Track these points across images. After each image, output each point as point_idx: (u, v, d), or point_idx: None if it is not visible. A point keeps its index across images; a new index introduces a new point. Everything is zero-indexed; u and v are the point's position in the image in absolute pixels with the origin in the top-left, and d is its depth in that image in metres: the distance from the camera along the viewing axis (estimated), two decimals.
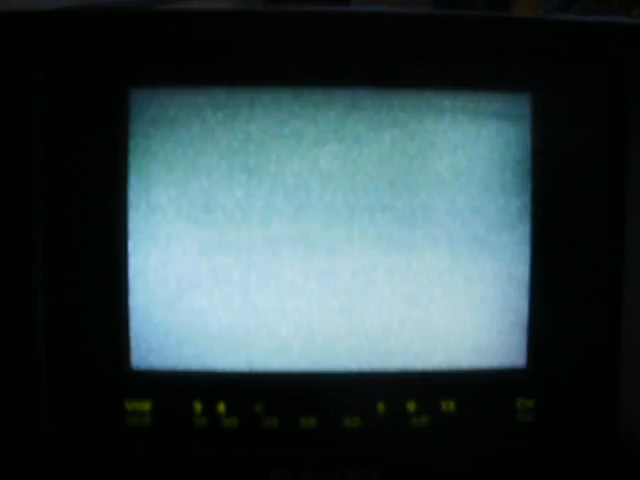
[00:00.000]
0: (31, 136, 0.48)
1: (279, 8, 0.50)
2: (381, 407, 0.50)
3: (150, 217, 0.49)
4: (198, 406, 0.50)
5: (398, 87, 0.49)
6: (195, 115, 0.49)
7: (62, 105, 0.48)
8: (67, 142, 0.48)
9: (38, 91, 0.48)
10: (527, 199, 0.50)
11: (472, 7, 0.91)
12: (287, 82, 0.49)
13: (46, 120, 0.48)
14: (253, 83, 0.49)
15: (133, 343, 0.49)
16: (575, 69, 0.50)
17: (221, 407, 0.50)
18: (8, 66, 0.47)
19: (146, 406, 0.50)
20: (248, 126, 0.49)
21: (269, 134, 0.49)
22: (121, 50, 0.48)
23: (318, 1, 0.58)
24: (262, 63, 0.49)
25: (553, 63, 0.50)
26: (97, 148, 0.48)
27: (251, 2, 0.70)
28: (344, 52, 0.49)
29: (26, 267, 0.48)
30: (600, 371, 0.50)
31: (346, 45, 0.49)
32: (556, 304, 0.50)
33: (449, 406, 0.50)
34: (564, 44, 0.50)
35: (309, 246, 0.49)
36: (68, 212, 0.49)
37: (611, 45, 0.50)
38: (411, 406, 0.50)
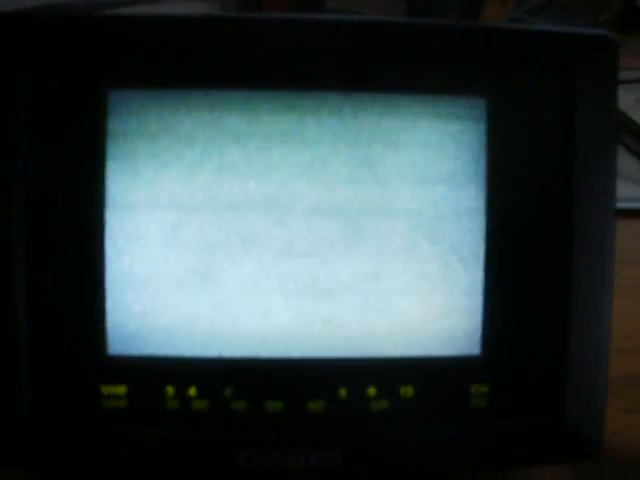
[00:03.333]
0: (11, 135, 0.50)
1: (251, 15, 0.53)
2: (343, 392, 0.53)
3: (126, 209, 0.51)
4: (170, 390, 0.52)
5: (360, 90, 0.52)
6: (172, 116, 0.51)
7: (41, 106, 0.51)
8: (45, 142, 0.51)
9: (19, 92, 0.50)
10: (482, 197, 0.53)
11: (445, 14, 0.94)
12: (259, 85, 0.52)
13: (26, 120, 0.50)
14: (227, 85, 0.52)
15: (109, 330, 0.52)
16: (528, 75, 0.53)
17: (192, 391, 0.52)
18: None
19: (121, 390, 0.52)
20: (224, 127, 0.51)
21: (242, 135, 0.52)
22: (100, 52, 0.51)
23: (292, 8, 0.61)
24: (236, 67, 0.52)
25: (507, 69, 0.53)
26: (75, 148, 0.51)
27: (227, 7, 0.72)
28: (310, 57, 0.52)
29: (4, 254, 0.50)
30: (551, 359, 0.53)
31: (312, 50, 0.52)
32: (509, 295, 0.53)
33: (407, 391, 0.53)
34: (517, 51, 0.53)
35: (275, 240, 0.52)
36: (47, 205, 0.51)
37: (562, 53, 0.53)
38: (371, 391, 0.53)
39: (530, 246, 0.53)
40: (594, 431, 0.54)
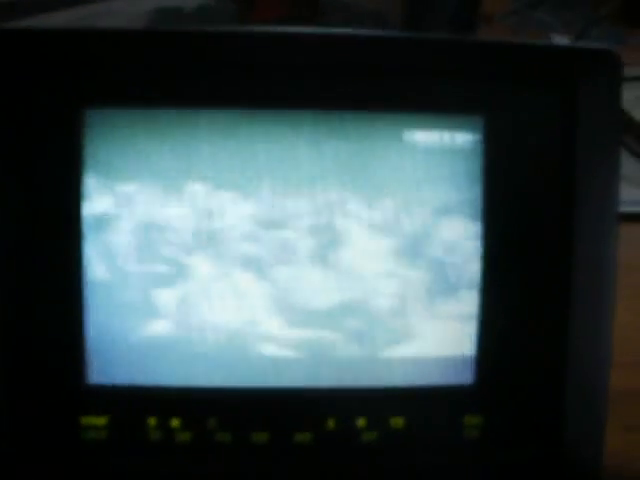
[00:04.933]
0: None
1: (232, 29, 0.50)
2: (331, 423, 0.51)
3: (105, 233, 0.49)
4: (152, 421, 0.51)
5: (352, 108, 0.50)
6: (150, 135, 0.49)
7: (14, 124, 0.48)
8: (20, 162, 0.49)
9: None
10: (478, 220, 0.51)
11: (444, 5, 0.91)
12: (241, 104, 0.49)
13: None
14: (208, 104, 0.49)
15: (89, 358, 0.50)
16: (527, 92, 0.51)
17: (175, 422, 0.51)
18: None
19: (102, 421, 0.50)
20: (205, 146, 0.49)
21: (224, 155, 0.49)
22: (75, 70, 0.49)
23: (287, 3, 0.58)
24: (217, 85, 0.49)
25: (505, 85, 0.50)
26: (51, 168, 0.49)
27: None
28: (299, 74, 0.49)
29: None
30: (546, 388, 0.52)
31: (300, 67, 0.49)
32: (504, 323, 0.51)
33: (397, 422, 0.51)
34: (516, 67, 0.50)
35: (262, 267, 0.50)
36: (22, 228, 0.49)
37: (563, 69, 0.50)
38: (361, 422, 0.51)
39: (528, 271, 0.51)
40: (593, 459, 0.52)
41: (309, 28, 0.50)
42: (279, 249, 0.50)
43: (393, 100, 0.50)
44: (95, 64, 0.49)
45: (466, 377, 0.51)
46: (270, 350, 0.50)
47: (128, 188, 0.49)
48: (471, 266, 0.51)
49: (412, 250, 0.50)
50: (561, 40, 0.78)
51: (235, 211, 0.49)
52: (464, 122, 0.50)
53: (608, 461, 0.53)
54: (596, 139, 0.51)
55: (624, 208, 0.54)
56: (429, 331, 0.51)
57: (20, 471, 0.50)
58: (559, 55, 0.50)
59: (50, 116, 0.49)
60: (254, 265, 0.50)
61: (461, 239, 0.51)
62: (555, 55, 0.50)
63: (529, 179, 0.51)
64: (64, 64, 0.49)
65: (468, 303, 0.51)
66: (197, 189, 0.49)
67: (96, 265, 0.49)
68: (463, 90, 0.50)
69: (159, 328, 0.50)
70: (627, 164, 0.76)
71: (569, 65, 0.50)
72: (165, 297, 0.50)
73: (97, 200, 0.49)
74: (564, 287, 0.51)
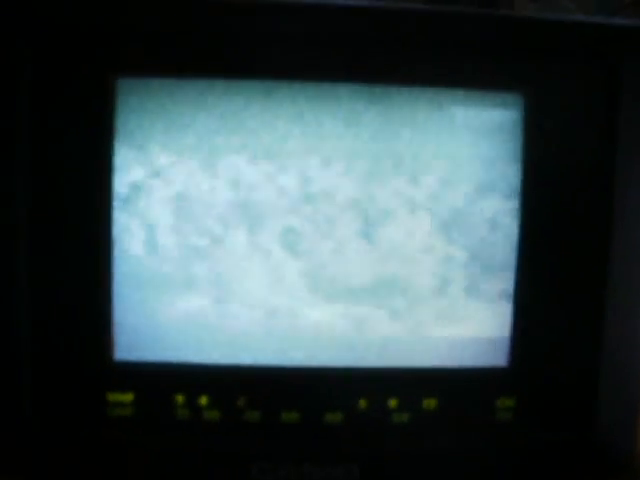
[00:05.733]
0: (16, 123, 0.47)
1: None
2: (363, 403, 0.50)
3: (136, 205, 0.48)
4: (180, 398, 0.49)
5: (391, 83, 0.49)
6: (182, 105, 0.48)
7: (48, 93, 0.47)
8: (52, 130, 0.47)
9: (24, 78, 0.47)
10: (516, 199, 0.50)
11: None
12: (270, 74, 0.48)
13: (32, 107, 0.47)
14: (239, 74, 0.48)
15: (116, 335, 0.49)
16: (569, 69, 0.49)
17: (203, 400, 0.50)
18: None
19: (128, 397, 0.49)
20: (240, 117, 0.48)
21: (261, 125, 0.48)
22: (107, 38, 0.47)
23: None
24: (253, 54, 0.48)
25: (546, 62, 0.49)
26: (82, 136, 0.48)
27: None
28: (336, 46, 0.48)
29: (9, 257, 0.47)
30: (580, 371, 0.51)
31: (337, 39, 0.48)
32: (539, 305, 0.50)
33: (430, 404, 0.50)
34: (558, 44, 0.49)
35: (300, 242, 0.49)
36: (52, 200, 0.48)
37: (605, 45, 0.49)
38: (393, 403, 0.50)
39: (565, 253, 0.50)
40: (625, 447, 0.51)
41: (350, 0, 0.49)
42: (319, 223, 0.49)
43: (433, 76, 0.49)
44: (128, 32, 0.47)
45: (501, 359, 0.50)
46: (304, 328, 0.49)
47: (161, 159, 0.48)
48: (508, 246, 0.50)
49: (452, 228, 0.49)
50: None
51: (273, 184, 0.48)
52: (504, 99, 0.49)
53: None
54: (638, 117, 0.50)
55: None
56: (466, 311, 0.50)
57: (46, 447, 0.49)
58: (602, 31, 0.49)
59: (82, 85, 0.47)
60: (292, 239, 0.49)
61: (499, 217, 0.50)
62: (598, 31, 0.49)
63: (569, 158, 0.50)
64: (96, 32, 0.47)
65: (505, 283, 0.50)
66: (233, 161, 0.48)
67: (126, 238, 0.48)
68: (503, 67, 0.49)
69: (190, 304, 0.49)
70: None
71: (612, 42, 0.49)
72: (198, 271, 0.49)
73: (129, 171, 0.48)
74: (601, 270, 0.50)
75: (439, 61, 0.49)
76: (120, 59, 0.48)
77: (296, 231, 0.49)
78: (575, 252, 0.50)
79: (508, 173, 0.49)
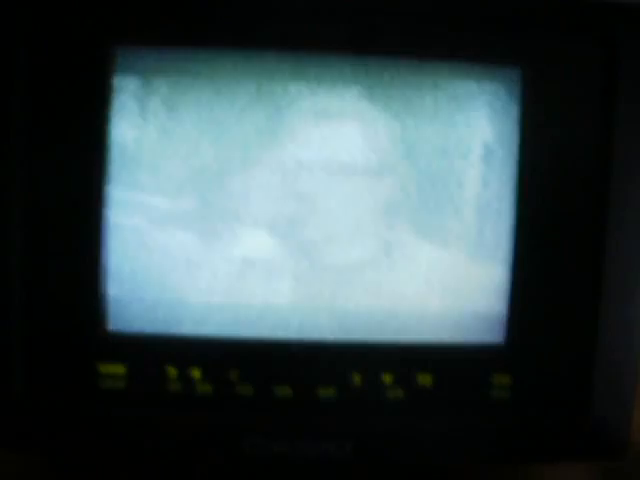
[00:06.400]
0: (14, 92, 0.47)
1: None
2: (357, 378, 0.49)
3: (129, 179, 0.48)
4: (172, 371, 0.49)
5: (388, 57, 0.49)
6: (180, 75, 0.48)
7: (46, 62, 0.47)
8: (50, 98, 0.47)
9: (21, 47, 0.47)
10: (514, 175, 0.49)
11: None
12: (268, 45, 0.48)
13: (29, 76, 0.47)
14: (236, 44, 0.48)
15: (108, 304, 0.49)
16: (567, 45, 0.49)
17: (195, 373, 0.49)
18: None
19: (120, 369, 0.49)
20: (231, 87, 0.48)
21: (254, 99, 0.48)
22: (106, 7, 0.47)
23: None
24: (246, 25, 0.48)
25: (545, 37, 0.49)
26: (80, 105, 0.47)
27: None
28: (335, 19, 0.48)
29: (1, 227, 0.47)
30: (578, 352, 0.50)
31: (338, 12, 0.48)
32: (537, 281, 0.50)
33: (425, 379, 0.50)
34: (556, 19, 0.49)
35: (284, 212, 0.49)
36: (47, 168, 0.48)
37: (605, 23, 0.49)
38: (387, 378, 0.49)
39: (561, 230, 0.50)
40: (621, 429, 0.51)
41: None
42: (300, 199, 0.49)
43: (430, 50, 0.49)
44: (125, 2, 0.47)
45: (497, 335, 0.50)
46: (294, 300, 0.49)
47: (158, 127, 0.48)
48: (505, 222, 0.49)
49: (441, 201, 0.49)
50: None
51: (264, 158, 0.48)
52: (501, 73, 0.49)
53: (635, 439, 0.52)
54: (637, 95, 0.49)
55: None
56: (461, 285, 0.49)
57: (36, 420, 0.49)
58: (601, 8, 0.49)
59: (79, 54, 0.47)
60: (274, 217, 0.49)
61: (495, 193, 0.49)
62: (597, 7, 0.49)
63: (567, 134, 0.50)
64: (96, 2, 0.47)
65: (501, 259, 0.49)
66: (229, 133, 0.48)
67: (119, 213, 0.48)
68: (501, 41, 0.49)
69: (182, 276, 0.49)
70: None
71: (611, 18, 0.49)
72: (188, 240, 0.48)
73: (124, 139, 0.48)
74: (598, 248, 0.50)
75: (437, 35, 0.49)
76: (118, 28, 0.48)
77: (276, 209, 0.48)
78: (573, 229, 0.50)
79: (505, 148, 0.49)
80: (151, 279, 0.49)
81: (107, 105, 0.47)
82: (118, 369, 0.49)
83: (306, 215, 0.49)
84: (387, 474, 0.55)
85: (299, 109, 0.48)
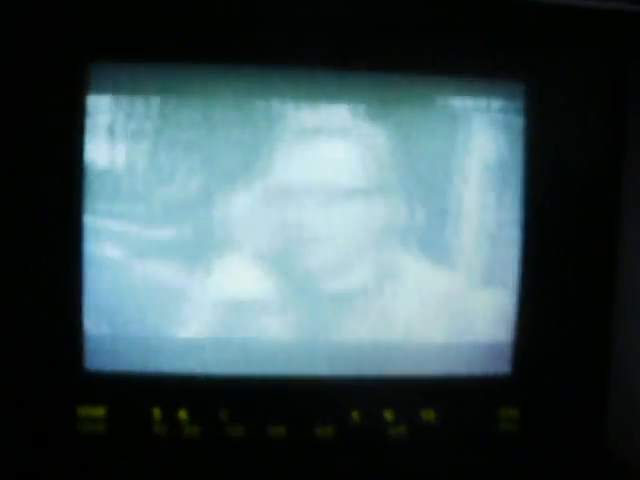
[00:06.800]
0: None
1: None
2: (356, 416, 0.46)
3: (106, 207, 0.45)
4: (157, 412, 0.46)
5: (392, 71, 0.46)
6: (155, 90, 0.45)
7: (18, 77, 0.44)
8: (24, 113, 0.44)
9: None
10: (519, 193, 0.47)
11: None
12: (247, 60, 0.45)
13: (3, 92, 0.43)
14: (219, 61, 0.45)
15: (87, 342, 0.45)
16: (572, 57, 0.47)
17: (182, 414, 0.46)
18: None
19: (100, 412, 0.45)
20: (207, 102, 0.45)
21: (237, 114, 0.45)
22: (81, 24, 0.44)
23: None
24: (234, 41, 0.45)
25: (548, 50, 0.47)
26: (55, 121, 0.44)
27: None
28: (328, 33, 0.45)
29: None
30: (588, 382, 0.48)
31: (330, 26, 0.45)
32: (544, 310, 0.47)
33: (429, 415, 0.47)
34: (560, 30, 0.47)
35: (277, 236, 0.46)
36: (22, 193, 0.44)
37: (611, 31, 0.47)
38: (388, 415, 0.47)
39: (570, 257, 0.47)
40: (635, 463, 0.48)
41: None
42: (289, 226, 0.46)
43: (434, 65, 0.46)
44: (101, 19, 0.44)
45: (503, 365, 0.47)
46: (288, 334, 0.46)
47: (132, 146, 0.44)
48: (511, 246, 0.47)
49: (445, 225, 0.46)
50: None
51: (247, 178, 0.45)
52: (505, 88, 0.47)
53: None
54: None
55: None
56: (465, 314, 0.47)
57: (11, 465, 0.45)
58: (606, 17, 0.46)
59: (57, 69, 0.44)
60: (263, 245, 0.45)
61: (500, 217, 0.47)
62: (602, 17, 0.46)
63: (574, 148, 0.47)
64: (71, 19, 0.44)
65: (506, 283, 0.47)
66: (216, 156, 0.45)
67: (97, 247, 0.45)
68: (504, 54, 0.47)
69: (165, 311, 0.45)
70: None
71: (617, 28, 0.46)
72: (170, 271, 0.45)
73: (100, 164, 0.44)
74: (609, 275, 0.47)
75: (440, 50, 0.46)
76: (94, 45, 0.44)
77: (266, 235, 0.45)
78: (582, 254, 0.48)
79: (509, 165, 0.46)
80: (131, 314, 0.45)
81: (81, 126, 0.44)
82: (98, 411, 0.45)
83: (297, 243, 0.46)
84: None
85: (287, 128, 0.45)
